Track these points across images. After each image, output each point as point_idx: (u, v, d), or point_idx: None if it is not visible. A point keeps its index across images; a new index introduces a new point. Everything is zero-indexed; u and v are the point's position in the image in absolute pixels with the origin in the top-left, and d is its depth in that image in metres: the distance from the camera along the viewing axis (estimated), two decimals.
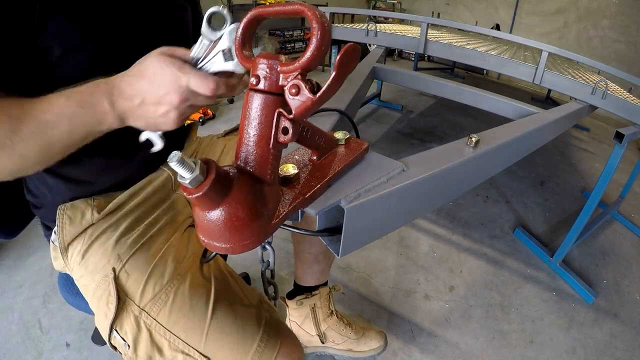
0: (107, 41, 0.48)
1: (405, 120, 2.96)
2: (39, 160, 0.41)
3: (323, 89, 0.29)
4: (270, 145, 0.31)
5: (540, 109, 1.12)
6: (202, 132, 0.76)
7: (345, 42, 2.38)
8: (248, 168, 0.31)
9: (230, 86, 0.39)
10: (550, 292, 1.39)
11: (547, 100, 3.88)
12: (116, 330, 0.52)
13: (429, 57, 4.96)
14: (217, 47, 0.36)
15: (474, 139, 0.62)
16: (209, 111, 2.69)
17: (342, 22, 4.09)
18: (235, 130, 0.84)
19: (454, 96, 1.39)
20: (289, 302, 1.01)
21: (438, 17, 4.99)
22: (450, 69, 4.76)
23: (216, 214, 0.29)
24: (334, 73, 0.29)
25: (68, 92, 0.40)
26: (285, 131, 0.31)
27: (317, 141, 0.41)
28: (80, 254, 0.55)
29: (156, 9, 0.56)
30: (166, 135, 0.46)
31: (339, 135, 0.46)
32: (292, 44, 4.18)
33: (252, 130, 0.31)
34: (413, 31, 1.98)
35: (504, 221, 1.78)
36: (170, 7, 0.59)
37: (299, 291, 1.00)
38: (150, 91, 0.38)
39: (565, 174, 2.35)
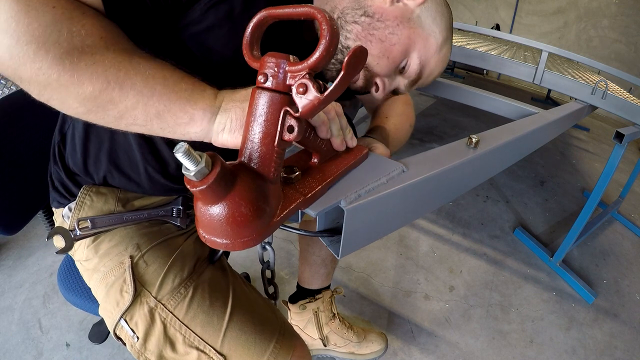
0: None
1: None
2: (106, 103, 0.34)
3: (330, 88, 0.29)
4: (275, 143, 0.31)
5: (540, 109, 1.12)
6: None
7: None
8: (252, 165, 0.31)
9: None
10: (550, 292, 1.39)
11: (547, 100, 3.88)
12: (125, 320, 0.50)
13: None
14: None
15: (474, 139, 0.62)
16: None
17: None
18: None
19: (454, 96, 1.38)
20: (291, 306, 1.01)
21: None
22: (450, 69, 4.76)
23: (218, 209, 0.29)
24: (342, 73, 0.29)
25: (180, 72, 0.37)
26: (290, 129, 0.31)
27: (318, 144, 0.41)
28: (92, 236, 0.54)
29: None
30: None
31: None
32: None
33: (257, 128, 0.31)
34: None
35: (504, 221, 1.78)
36: None
37: (302, 294, 0.99)
38: None
39: (565, 174, 2.35)
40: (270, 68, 0.31)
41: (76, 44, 0.32)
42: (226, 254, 0.90)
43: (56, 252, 0.53)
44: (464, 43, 1.75)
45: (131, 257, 0.52)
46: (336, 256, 0.44)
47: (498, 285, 1.40)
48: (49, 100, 0.34)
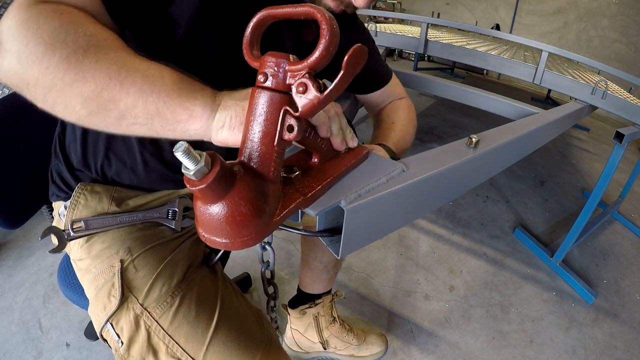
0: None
1: None
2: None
3: (330, 88, 0.29)
4: (275, 143, 0.31)
5: (540, 109, 1.12)
6: None
7: None
8: (252, 164, 0.31)
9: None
10: (550, 292, 1.39)
11: (547, 100, 3.88)
12: (111, 324, 0.50)
13: (429, 57, 4.96)
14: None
15: (474, 140, 0.62)
16: None
17: None
18: None
19: (454, 96, 1.38)
20: (291, 311, 1.00)
21: (438, 17, 4.99)
22: (450, 69, 4.76)
23: (218, 208, 0.29)
24: (341, 72, 0.29)
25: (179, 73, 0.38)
26: (290, 129, 0.31)
27: (318, 143, 0.41)
28: (86, 234, 0.53)
29: None
30: None
31: None
32: None
33: (257, 127, 0.31)
34: (413, 31, 1.97)
35: (504, 221, 1.78)
36: None
37: (302, 299, 0.99)
38: None
39: (565, 174, 2.35)
40: (270, 67, 0.31)
41: (82, 43, 0.33)
42: (223, 261, 0.89)
43: (49, 251, 0.53)
44: (464, 43, 1.75)
45: (121, 260, 0.51)
46: (336, 256, 0.44)
47: (498, 285, 1.40)
48: (53, 105, 0.35)
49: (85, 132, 0.53)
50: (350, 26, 0.70)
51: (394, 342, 1.14)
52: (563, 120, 1.14)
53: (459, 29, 2.83)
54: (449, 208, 1.84)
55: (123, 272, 0.51)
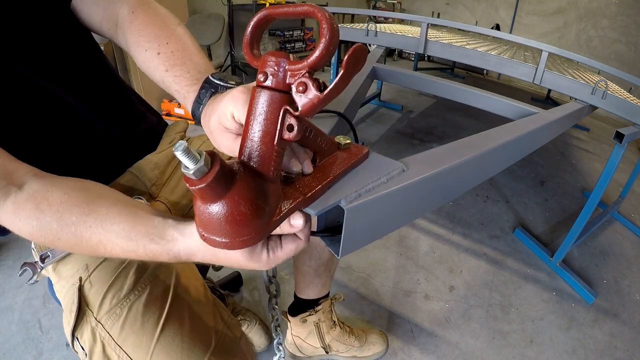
0: None
1: (405, 120, 2.96)
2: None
3: (330, 87, 0.29)
4: (275, 142, 0.31)
5: (540, 109, 1.12)
6: (194, 132, 0.75)
7: (345, 42, 2.36)
8: (251, 164, 0.31)
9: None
10: (550, 292, 1.39)
11: (547, 100, 3.88)
12: (77, 338, 0.53)
13: (429, 57, 4.96)
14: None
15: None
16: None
17: (342, 22, 4.09)
18: None
19: (454, 96, 1.39)
20: (291, 318, 1.00)
21: (438, 17, 4.99)
22: (450, 69, 4.76)
23: (217, 208, 0.29)
24: (341, 72, 0.29)
25: (131, 227, 0.39)
26: (290, 128, 0.31)
27: (319, 143, 0.41)
28: (55, 262, 0.56)
29: None
30: (143, 134, 0.45)
31: (340, 139, 0.47)
32: (292, 44, 4.18)
33: (257, 126, 0.31)
34: (413, 31, 1.98)
35: (504, 221, 1.79)
36: None
37: (301, 305, 0.98)
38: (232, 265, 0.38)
39: (565, 174, 2.35)
40: (270, 67, 0.31)
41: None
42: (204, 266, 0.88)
43: (26, 283, 0.56)
44: (464, 43, 1.75)
45: (80, 278, 0.53)
46: (336, 256, 0.44)
47: (498, 285, 1.40)
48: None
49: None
50: None
51: (394, 342, 1.14)
52: (563, 120, 1.14)
53: (459, 29, 2.84)
54: (449, 208, 1.84)
55: (81, 289, 0.53)
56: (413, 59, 4.73)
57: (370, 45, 1.96)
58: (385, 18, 4.55)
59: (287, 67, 0.30)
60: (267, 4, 2.53)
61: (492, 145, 0.67)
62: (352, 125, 0.64)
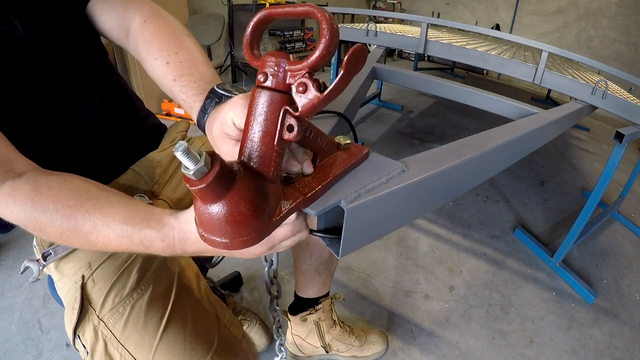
0: None
1: (405, 120, 2.96)
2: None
3: (330, 87, 0.29)
4: (275, 143, 0.31)
5: (540, 109, 1.12)
6: (196, 132, 0.75)
7: (345, 42, 2.36)
8: (251, 164, 0.31)
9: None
10: (550, 292, 1.39)
11: (547, 100, 3.89)
12: (78, 336, 0.53)
13: (429, 57, 4.96)
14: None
15: None
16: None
17: (342, 22, 4.09)
18: None
19: (454, 96, 1.39)
20: (291, 317, 1.00)
21: (438, 17, 4.99)
22: (450, 69, 4.76)
23: (218, 208, 0.29)
24: (341, 72, 0.29)
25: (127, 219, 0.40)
26: (290, 128, 0.31)
27: (319, 143, 0.41)
28: (57, 259, 0.56)
29: None
30: (145, 132, 0.45)
31: (340, 139, 0.47)
32: (292, 44, 4.18)
33: (257, 127, 0.31)
34: (413, 31, 1.98)
35: (504, 221, 1.79)
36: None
37: (301, 304, 0.98)
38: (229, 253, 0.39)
39: (565, 174, 2.35)
40: (270, 67, 0.31)
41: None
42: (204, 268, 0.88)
43: (28, 282, 0.56)
44: (464, 43, 1.75)
45: (83, 276, 0.54)
46: (336, 256, 0.44)
47: (498, 285, 1.40)
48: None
49: None
50: None
51: (394, 342, 1.14)
52: (563, 120, 1.14)
53: (459, 29, 2.84)
54: (449, 208, 1.84)
55: (83, 287, 0.53)
56: (413, 59, 4.73)
57: (370, 45, 1.96)
58: (385, 18, 4.55)
59: (287, 67, 0.30)
60: (267, 4, 2.53)
61: (492, 145, 0.67)
62: (352, 126, 0.64)
